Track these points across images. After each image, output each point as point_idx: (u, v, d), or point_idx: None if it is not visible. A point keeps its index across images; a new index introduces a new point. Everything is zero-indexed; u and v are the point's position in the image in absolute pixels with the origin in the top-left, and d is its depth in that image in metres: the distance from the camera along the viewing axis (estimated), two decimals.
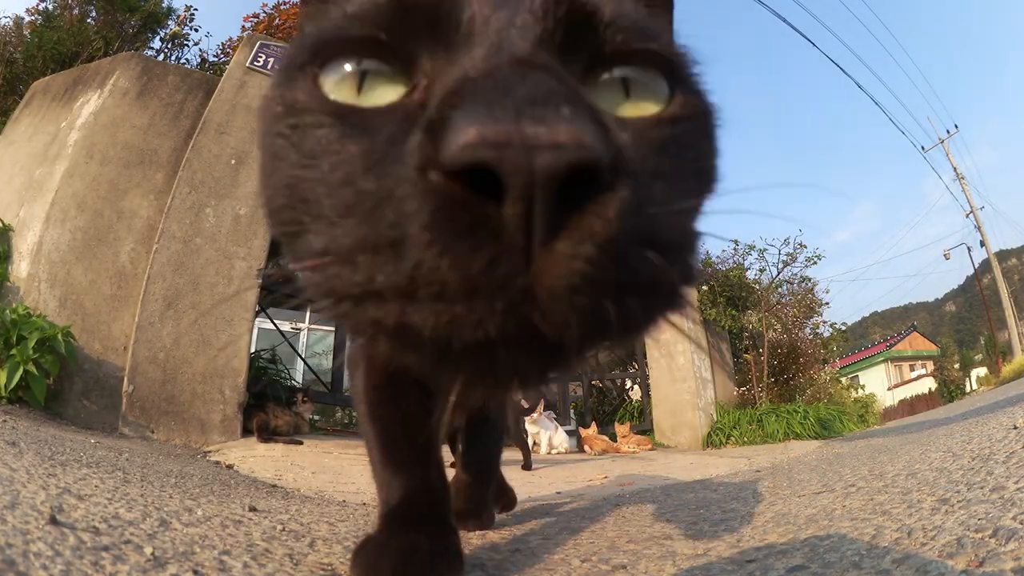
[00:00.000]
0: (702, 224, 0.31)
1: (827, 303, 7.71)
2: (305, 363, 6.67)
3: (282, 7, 7.78)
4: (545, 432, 4.55)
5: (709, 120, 0.34)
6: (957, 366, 24.11)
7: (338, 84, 0.29)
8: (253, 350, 4.88)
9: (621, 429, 5.25)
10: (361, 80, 0.29)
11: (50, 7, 7.37)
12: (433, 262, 0.22)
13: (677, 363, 6.13)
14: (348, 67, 0.29)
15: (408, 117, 0.26)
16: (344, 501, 1.61)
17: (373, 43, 0.29)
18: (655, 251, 0.25)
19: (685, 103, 0.32)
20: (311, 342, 9.32)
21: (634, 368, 7.39)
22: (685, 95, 0.32)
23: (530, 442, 4.13)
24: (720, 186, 0.34)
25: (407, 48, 0.29)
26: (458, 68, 0.26)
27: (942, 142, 20.42)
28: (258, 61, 4.28)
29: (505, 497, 1.24)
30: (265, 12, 7.78)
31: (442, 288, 0.23)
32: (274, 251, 3.60)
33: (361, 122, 0.27)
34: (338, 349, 5.01)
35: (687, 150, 0.31)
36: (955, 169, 19.92)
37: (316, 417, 4.97)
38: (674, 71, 0.32)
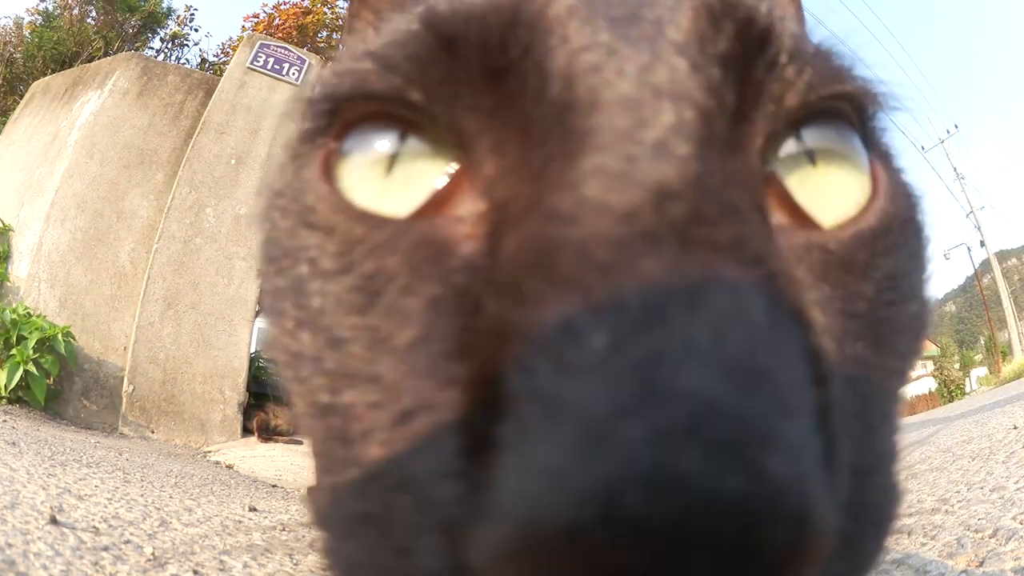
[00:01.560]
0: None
1: None
2: None
3: (282, 7, 7.78)
4: None
5: (918, 222, 0.20)
6: (957, 366, 24.12)
7: (358, 171, 0.17)
8: (253, 350, 4.88)
9: None
10: (393, 154, 0.17)
11: (50, 7, 7.38)
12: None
13: None
14: (376, 147, 0.17)
15: (464, 283, 0.15)
16: None
17: (401, 102, 0.17)
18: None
19: (892, 191, 0.18)
20: None
21: None
22: (887, 171, 0.19)
23: None
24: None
25: (450, 111, 0.16)
26: (538, 220, 0.14)
27: (942, 142, 20.44)
28: (258, 61, 4.28)
29: None
30: (265, 12, 7.78)
31: None
32: None
33: (391, 242, 0.16)
34: None
35: (899, 293, 0.18)
36: (955, 169, 19.94)
37: None
38: (868, 129, 0.19)
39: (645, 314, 0.11)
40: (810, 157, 0.18)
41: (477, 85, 0.16)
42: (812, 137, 0.18)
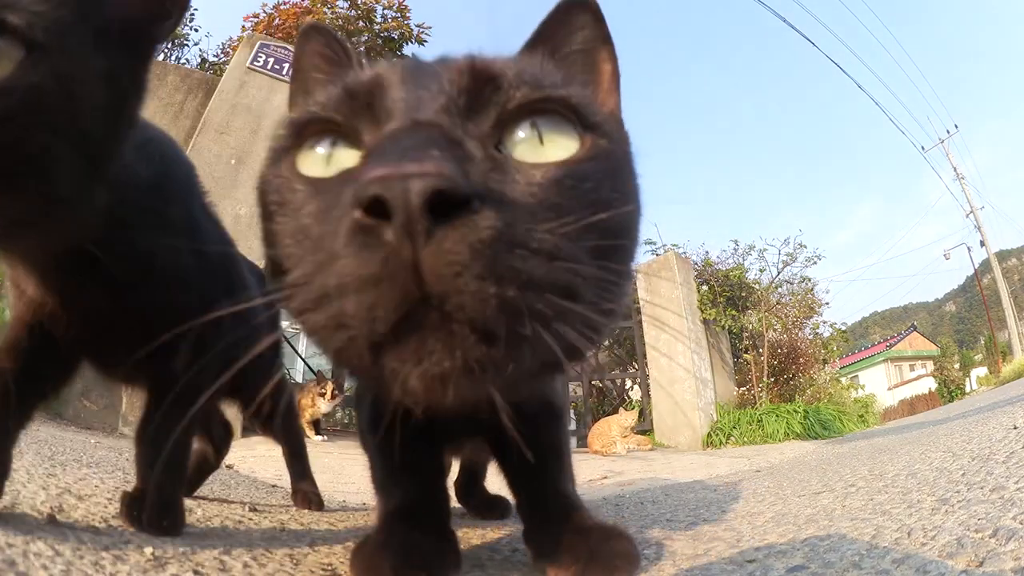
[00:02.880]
0: (612, 242, 0.37)
1: (827, 303, 7.72)
2: (305, 363, 6.67)
3: (282, 7, 7.76)
4: None
5: (614, 158, 0.41)
6: (957, 366, 24.09)
7: (311, 159, 0.41)
8: None
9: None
10: (329, 152, 0.40)
11: None
12: (350, 268, 0.31)
13: (677, 363, 6.12)
14: (318, 149, 0.41)
15: (350, 177, 0.36)
16: (344, 501, 1.61)
17: (332, 122, 0.41)
18: (538, 257, 0.32)
19: (595, 147, 0.39)
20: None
21: (634, 368, 7.38)
22: (595, 139, 0.40)
23: None
24: (635, 205, 0.42)
25: (356, 124, 0.40)
26: (378, 135, 0.38)
27: (942, 142, 20.43)
28: (258, 61, 4.28)
29: (499, 508, 1.24)
30: (265, 12, 7.76)
31: (359, 283, 0.31)
32: None
33: (321, 186, 0.38)
34: None
35: (591, 187, 0.37)
36: (955, 169, 19.93)
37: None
38: (579, 115, 0.40)
39: (397, 151, 0.32)
40: (538, 132, 0.39)
41: (362, 111, 0.40)
42: (534, 120, 0.39)
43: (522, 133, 0.39)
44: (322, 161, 0.40)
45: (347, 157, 0.39)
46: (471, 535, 0.95)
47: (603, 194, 0.38)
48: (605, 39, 0.50)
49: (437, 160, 0.30)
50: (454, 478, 1.34)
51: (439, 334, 0.31)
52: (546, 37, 0.49)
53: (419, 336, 0.31)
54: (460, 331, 0.31)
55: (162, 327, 0.69)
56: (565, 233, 0.34)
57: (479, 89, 0.38)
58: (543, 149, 0.38)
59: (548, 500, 0.68)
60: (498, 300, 0.30)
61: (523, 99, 0.39)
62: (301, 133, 0.41)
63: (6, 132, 0.45)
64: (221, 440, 1.26)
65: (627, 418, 4.93)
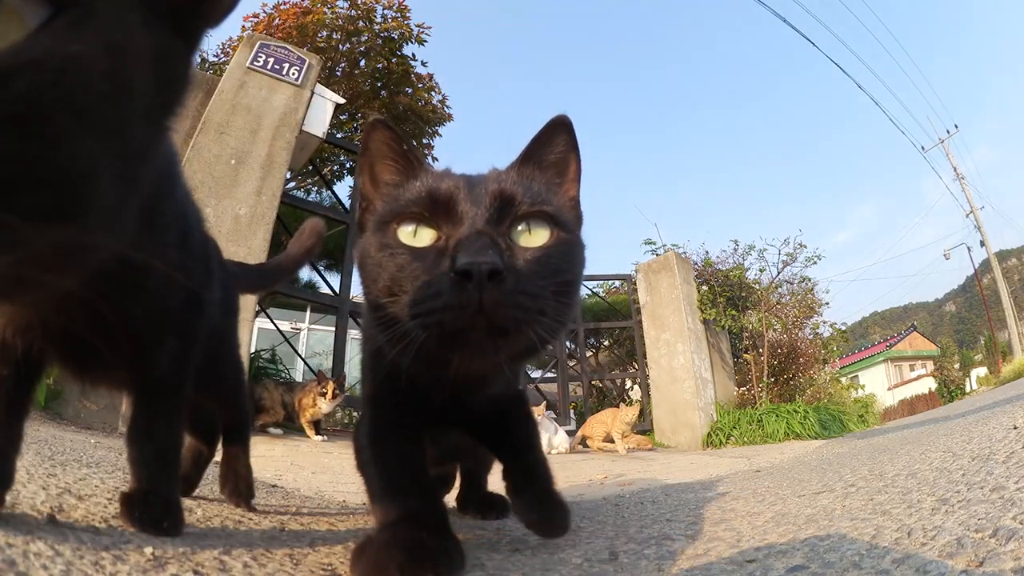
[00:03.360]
0: (563, 288, 0.64)
1: (827, 303, 7.71)
2: (305, 363, 6.66)
3: (282, 7, 7.76)
4: (545, 433, 4.55)
5: (571, 247, 0.67)
6: (957, 366, 24.08)
7: (405, 233, 0.65)
8: (253, 350, 4.84)
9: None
10: (415, 230, 0.65)
11: None
12: (450, 299, 0.56)
13: (677, 363, 6.12)
14: (409, 227, 0.65)
15: (440, 251, 0.62)
16: (344, 501, 1.61)
17: (420, 215, 0.65)
18: (528, 297, 0.59)
19: (558, 237, 0.66)
20: (311, 342, 9.32)
21: (634, 368, 7.38)
22: (560, 233, 0.66)
23: None
24: (578, 272, 0.69)
25: (436, 218, 0.65)
26: (457, 232, 0.62)
27: (942, 142, 20.43)
28: (258, 61, 4.28)
29: (498, 507, 1.24)
30: (265, 12, 7.76)
31: (453, 307, 0.57)
32: (274, 250, 3.59)
33: (418, 252, 0.63)
34: (338, 349, 5.00)
35: (554, 261, 0.63)
36: (955, 169, 19.93)
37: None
38: (554, 220, 0.66)
39: (474, 249, 0.58)
40: (528, 227, 0.66)
41: (441, 212, 0.65)
42: (527, 221, 0.66)
43: (520, 228, 0.65)
44: (411, 234, 0.64)
45: (427, 234, 0.64)
46: (471, 535, 0.95)
47: (561, 265, 0.64)
48: (574, 148, 0.76)
49: (491, 255, 0.57)
50: (455, 494, 1.34)
51: (483, 331, 0.57)
52: (536, 150, 0.74)
53: (475, 332, 0.57)
54: (491, 329, 0.57)
55: (149, 327, 0.68)
56: (541, 284, 0.61)
57: (504, 206, 0.65)
58: (530, 237, 0.65)
59: (527, 465, 0.87)
60: (511, 314, 0.57)
61: (525, 211, 0.65)
62: (398, 215, 0.66)
63: (24, 134, 0.28)
64: (210, 430, 1.20)
65: (628, 414, 4.92)
